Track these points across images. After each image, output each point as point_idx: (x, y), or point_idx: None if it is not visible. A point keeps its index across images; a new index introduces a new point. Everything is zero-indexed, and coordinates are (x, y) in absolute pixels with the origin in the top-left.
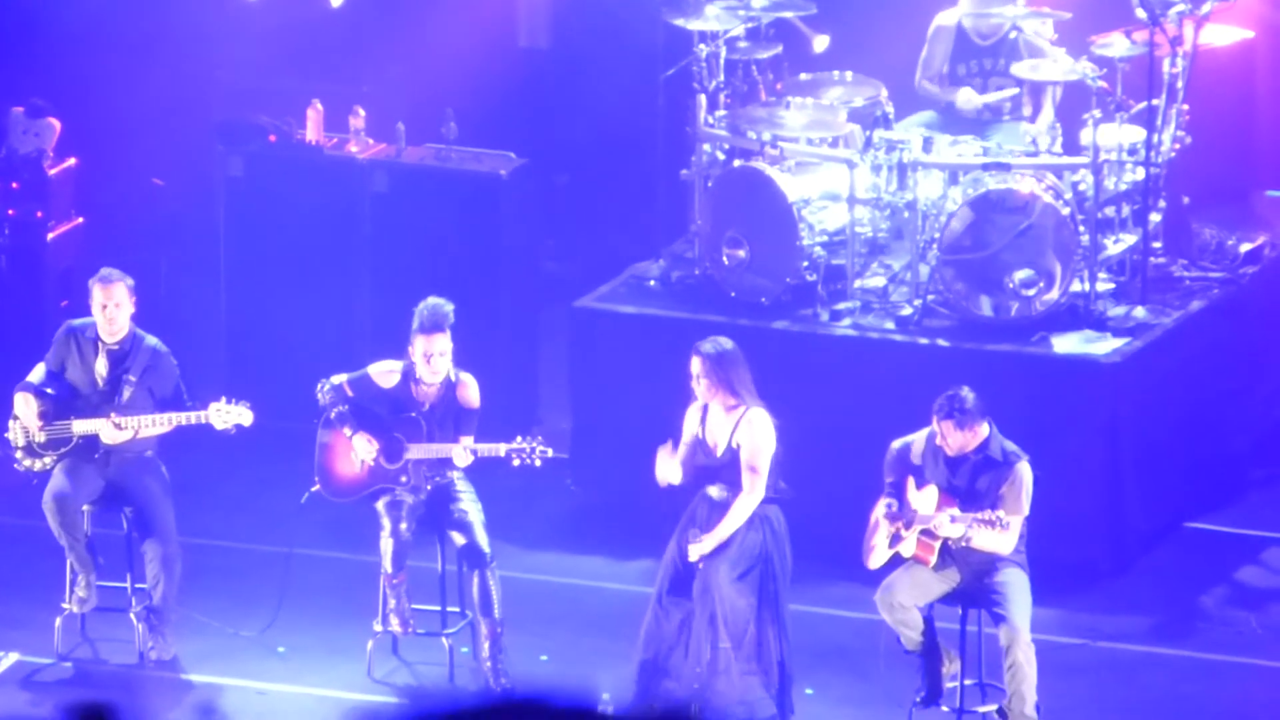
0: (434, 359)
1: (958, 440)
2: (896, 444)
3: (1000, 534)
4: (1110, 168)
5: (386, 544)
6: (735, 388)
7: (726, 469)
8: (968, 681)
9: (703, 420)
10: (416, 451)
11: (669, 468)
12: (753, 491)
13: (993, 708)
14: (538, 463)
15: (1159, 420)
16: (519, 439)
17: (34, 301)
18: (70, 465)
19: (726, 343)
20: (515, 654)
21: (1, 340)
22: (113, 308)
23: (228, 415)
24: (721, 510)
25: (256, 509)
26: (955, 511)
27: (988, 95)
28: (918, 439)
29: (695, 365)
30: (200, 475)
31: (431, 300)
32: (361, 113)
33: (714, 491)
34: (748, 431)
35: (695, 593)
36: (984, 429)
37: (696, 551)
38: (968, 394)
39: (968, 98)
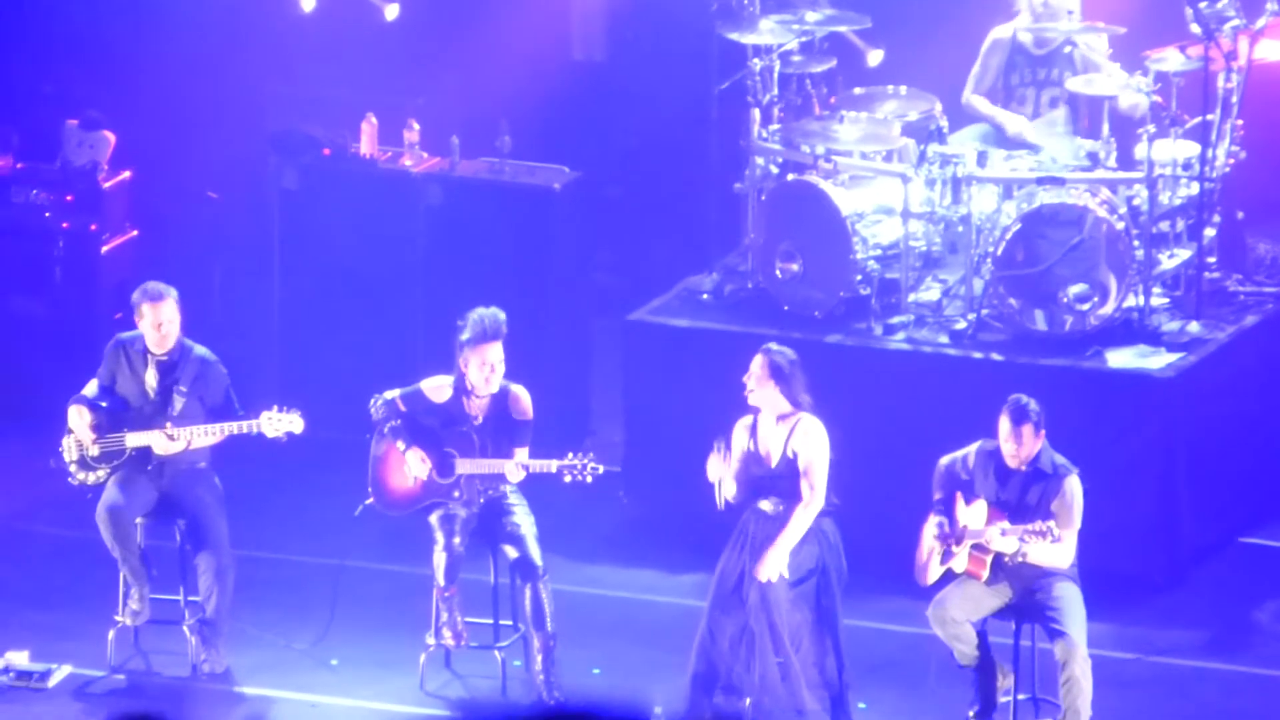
0: (493, 369)
1: (1030, 447)
2: (945, 460)
3: (1056, 547)
4: (1165, 182)
5: (439, 557)
6: (792, 394)
7: (781, 480)
8: (1021, 696)
9: (753, 433)
10: (467, 466)
11: (724, 480)
12: (812, 501)
13: None
14: (589, 479)
15: (1213, 434)
16: (571, 455)
17: (88, 314)
18: (124, 477)
19: (789, 351)
20: (568, 667)
21: (56, 353)
22: (167, 324)
23: (279, 423)
24: (774, 524)
25: (309, 521)
26: (1006, 525)
27: (1038, 127)
28: (967, 454)
29: (755, 364)
30: (253, 487)
31: (480, 310)
32: (416, 126)
33: (766, 505)
34: (803, 440)
35: (752, 605)
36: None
37: (765, 573)
38: (1031, 400)
39: (1018, 129)
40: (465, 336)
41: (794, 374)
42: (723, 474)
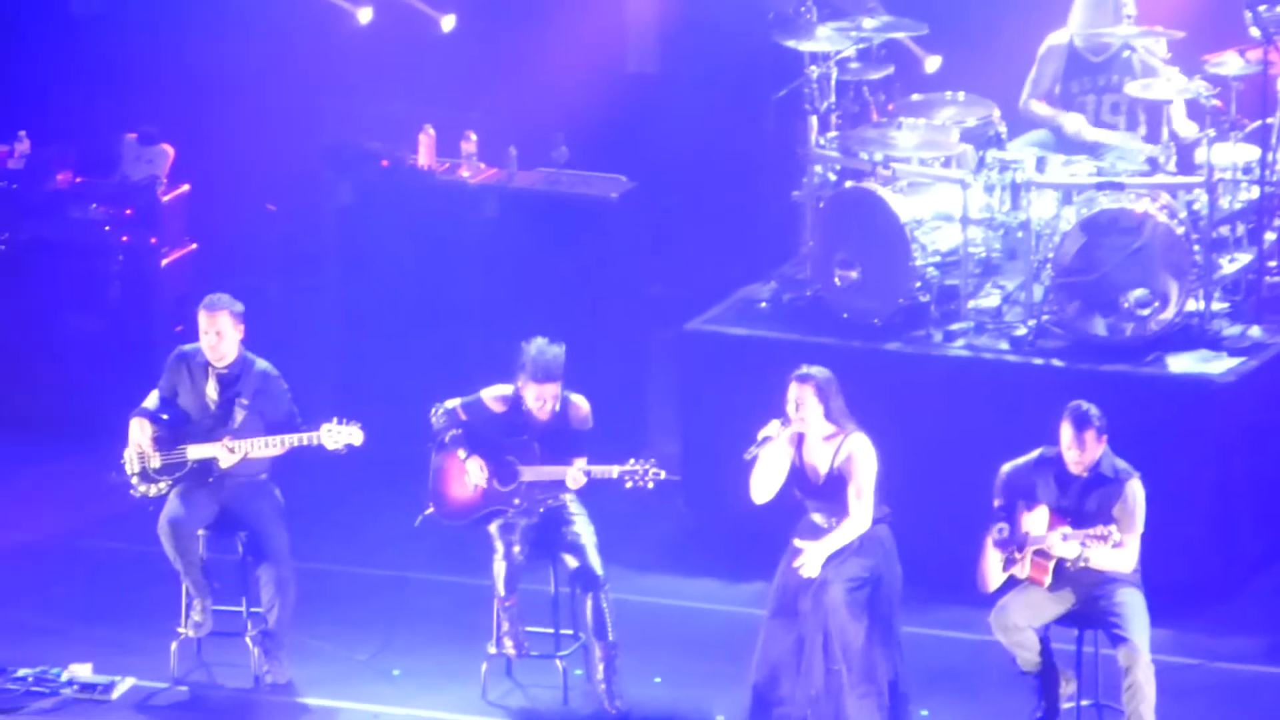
0: (548, 402)
1: (1092, 453)
2: (1006, 467)
3: (1118, 552)
4: (1225, 187)
5: (499, 567)
6: (834, 415)
7: (829, 496)
8: (1084, 703)
9: (799, 447)
10: (529, 474)
11: (770, 444)
12: (859, 516)
13: None
14: (650, 485)
15: (1273, 439)
16: (632, 461)
17: (148, 327)
18: (185, 490)
19: (822, 371)
20: (629, 676)
21: (116, 366)
22: (213, 335)
23: (339, 435)
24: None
25: (369, 533)
26: (1067, 530)
27: (1099, 132)
28: (1027, 461)
29: (794, 392)
30: (313, 499)
31: (540, 343)
32: (473, 137)
33: (819, 519)
34: (849, 459)
35: (806, 613)
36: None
37: (807, 569)
38: (1092, 406)
39: (1077, 128)
40: (524, 368)
41: (833, 394)
42: (776, 438)
